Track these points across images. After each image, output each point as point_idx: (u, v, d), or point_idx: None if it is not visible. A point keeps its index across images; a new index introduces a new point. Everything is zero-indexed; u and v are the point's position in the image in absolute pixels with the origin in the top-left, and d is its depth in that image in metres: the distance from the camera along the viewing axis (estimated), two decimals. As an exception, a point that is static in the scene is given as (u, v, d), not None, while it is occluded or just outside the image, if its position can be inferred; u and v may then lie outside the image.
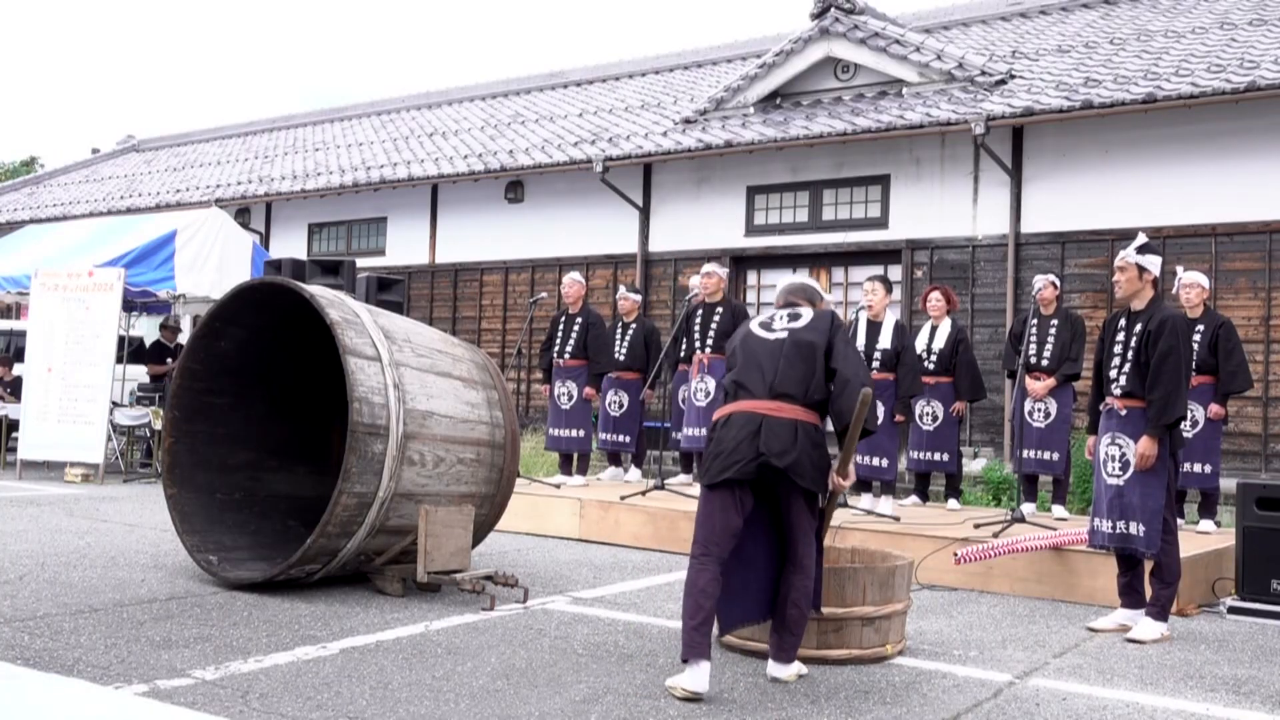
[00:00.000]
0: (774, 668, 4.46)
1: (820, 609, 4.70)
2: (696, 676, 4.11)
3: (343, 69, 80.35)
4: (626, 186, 15.17)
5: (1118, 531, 5.55)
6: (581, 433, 9.68)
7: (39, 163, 36.57)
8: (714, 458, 4.33)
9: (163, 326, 14.03)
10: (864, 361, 4.52)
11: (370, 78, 76.00)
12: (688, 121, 15.45)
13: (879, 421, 7.21)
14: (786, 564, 4.45)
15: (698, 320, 9.04)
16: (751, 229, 14.40)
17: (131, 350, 14.13)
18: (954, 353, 8.53)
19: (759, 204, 14.40)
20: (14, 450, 12.07)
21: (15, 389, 12.72)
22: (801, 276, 4.89)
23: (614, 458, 10.24)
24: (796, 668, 4.49)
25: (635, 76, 20.68)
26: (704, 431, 8.73)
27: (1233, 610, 6.21)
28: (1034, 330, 8.07)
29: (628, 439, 9.87)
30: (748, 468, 4.24)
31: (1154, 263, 5.59)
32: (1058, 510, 8.09)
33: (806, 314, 4.57)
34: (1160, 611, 5.56)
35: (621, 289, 10.07)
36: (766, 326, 4.57)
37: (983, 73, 13.30)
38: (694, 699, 4.09)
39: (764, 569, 4.48)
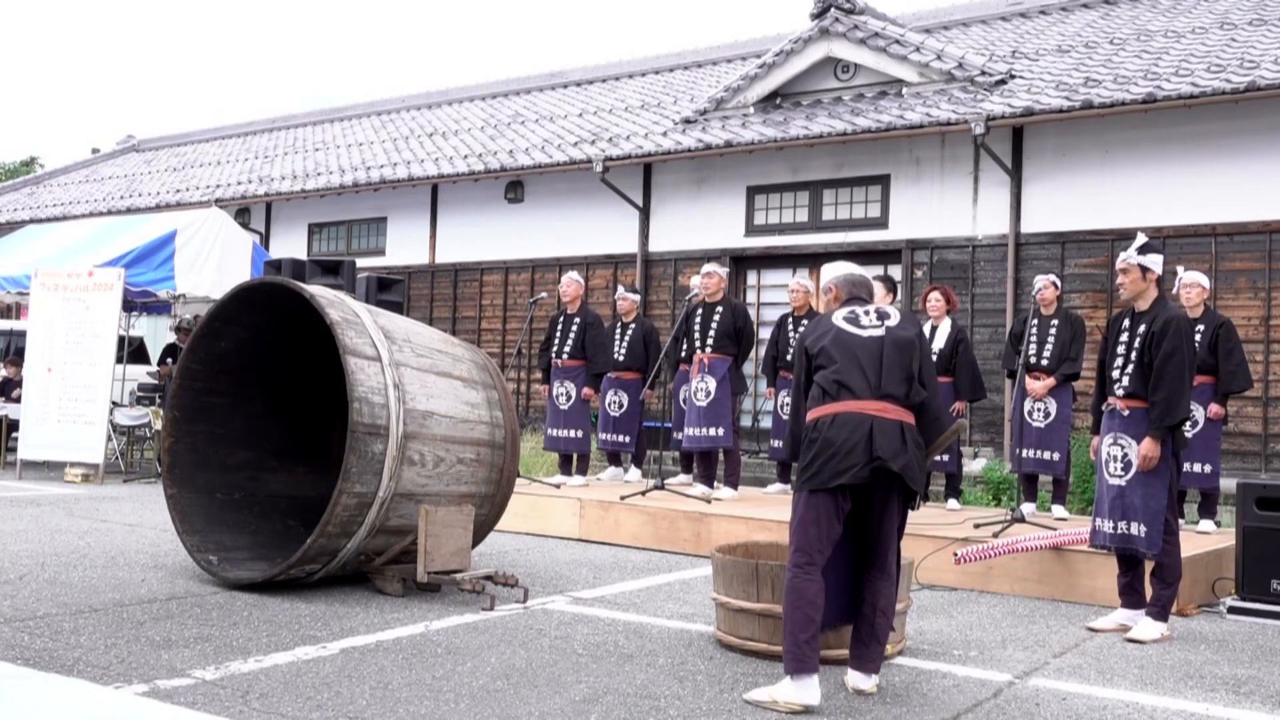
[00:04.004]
0: (858, 679, 4.29)
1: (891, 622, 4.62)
2: (806, 690, 3.99)
3: (343, 69, 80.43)
4: (626, 186, 15.17)
5: (1119, 532, 5.55)
6: (580, 433, 9.68)
7: (39, 163, 36.56)
8: (824, 460, 4.13)
9: (178, 330, 14.02)
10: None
11: (370, 78, 76.08)
12: (688, 121, 15.44)
13: None
14: (872, 570, 4.31)
15: (698, 320, 9.04)
16: (751, 229, 14.40)
17: (131, 350, 14.11)
18: (954, 353, 8.52)
19: (759, 204, 14.40)
20: (14, 450, 12.06)
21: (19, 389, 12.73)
22: (850, 266, 4.77)
23: (614, 458, 10.25)
24: (878, 678, 4.34)
25: (635, 76, 20.67)
26: (704, 431, 8.75)
27: (1233, 610, 6.21)
28: (1034, 330, 8.08)
29: (628, 439, 9.87)
30: (862, 472, 4.09)
31: (1156, 261, 5.58)
32: (1058, 510, 8.09)
33: (894, 313, 4.45)
34: (1160, 611, 5.56)
35: (620, 289, 10.07)
36: (854, 322, 4.40)
37: (983, 73, 13.30)
38: (805, 712, 3.96)
39: (844, 573, 4.35)
